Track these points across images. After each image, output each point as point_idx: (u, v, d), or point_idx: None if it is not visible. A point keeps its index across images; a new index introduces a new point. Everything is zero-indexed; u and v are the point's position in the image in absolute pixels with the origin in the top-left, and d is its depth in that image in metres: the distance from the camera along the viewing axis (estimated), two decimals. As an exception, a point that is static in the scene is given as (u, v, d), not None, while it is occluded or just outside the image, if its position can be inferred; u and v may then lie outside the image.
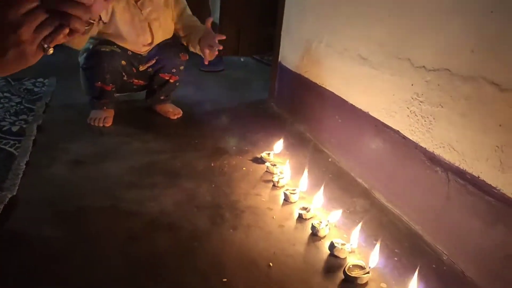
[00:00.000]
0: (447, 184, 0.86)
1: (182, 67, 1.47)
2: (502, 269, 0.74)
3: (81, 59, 1.38)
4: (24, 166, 1.05)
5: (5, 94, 1.53)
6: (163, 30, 1.42)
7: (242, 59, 2.57)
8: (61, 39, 0.57)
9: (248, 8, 2.55)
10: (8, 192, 0.93)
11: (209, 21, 1.37)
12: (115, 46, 1.33)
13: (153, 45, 1.42)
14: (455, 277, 0.81)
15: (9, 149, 1.14)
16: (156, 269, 0.77)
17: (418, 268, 0.76)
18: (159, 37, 1.42)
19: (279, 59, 1.69)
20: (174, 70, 1.45)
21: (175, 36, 1.47)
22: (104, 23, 1.30)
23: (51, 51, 0.57)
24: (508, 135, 0.74)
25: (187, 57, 1.48)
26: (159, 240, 0.85)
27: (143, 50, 1.41)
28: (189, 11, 1.48)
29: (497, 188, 0.75)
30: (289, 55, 1.61)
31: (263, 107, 1.74)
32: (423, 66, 0.93)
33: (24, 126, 1.29)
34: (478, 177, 0.79)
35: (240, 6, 2.54)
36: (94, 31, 1.28)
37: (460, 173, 0.83)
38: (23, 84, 1.65)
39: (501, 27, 0.74)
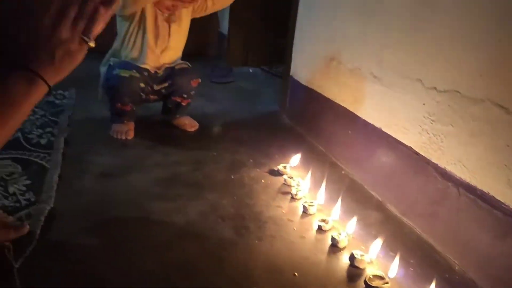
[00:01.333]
0: (458, 199, 0.93)
1: (193, 92, 1.55)
2: (511, 278, 0.80)
3: (102, 72, 1.45)
4: (57, 179, 1.11)
5: (29, 107, 1.60)
6: (179, 34, 1.50)
7: (251, 70, 2.64)
8: (99, 27, 0.58)
9: (256, 19, 2.62)
10: (46, 205, 0.99)
11: None
12: (133, 71, 1.39)
13: (168, 50, 1.48)
14: (467, 286, 0.87)
15: (41, 162, 1.20)
16: (188, 274, 0.83)
17: (434, 280, 0.82)
18: (175, 40, 1.48)
19: (290, 73, 1.76)
20: (185, 95, 1.53)
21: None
22: None
23: (92, 43, 0.62)
24: (515, 155, 0.80)
25: (199, 82, 1.55)
26: (188, 249, 0.91)
27: (161, 61, 1.47)
28: None
29: (506, 204, 0.82)
30: (301, 69, 1.68)
31: (275, 119, 1.81)
32: (434, 87, 0.99)
33: (52, 139, 1.35)
34: (488, 193, 0.86)
35: (248, 17, 2.62)
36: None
37: (470, 189, 0.90)
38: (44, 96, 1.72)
39: (508, 56, 0.81)
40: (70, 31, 0.58)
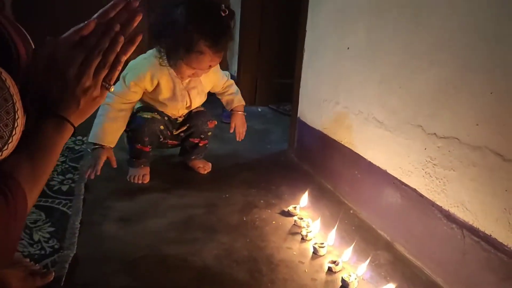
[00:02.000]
0: (463, 240, 0.96)
1: (210, 133, 1.62)
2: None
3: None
4: (79, 225, 1.17)
5: (50, 153, 1.68)
6: (200, 96, 1.57)
7: (259, 109, 2.74)
8: (117, 74, 0.68)
9: (264, 60, 2.75)
10: (69, 251, 1.05)
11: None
12: (155, 113, 1.48)
13: (191, 108, 1.57)
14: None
15: (63, 208, 1.26)
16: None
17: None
18: (197, 102, 1.57)
19: (298, 115, 1.84)
20: (202, 136, 1.60)
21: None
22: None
23: (112, 88, 0.69)
24: (513, 200, 0.85)
25: (215, 123, 1.63)
26: (205, 293, 0.95)
27: (181, 113, 1.56)
28: (229, 83, 1.67)
29: (508, 246, 0.86)
30: (308, 111, 1.76)
31: (284, 158, 1.87)
32: (434, 133, 1.05)
33: (73, 185, 1.42)
34: (490, 235, 0.90)
35: (256, 58, 2.75)
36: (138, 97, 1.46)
37: (473, 231, 0.94)
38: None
39: (500, 106, 0.87)
40: (92, 79, 0.66)
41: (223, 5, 1.29)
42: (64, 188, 1.40)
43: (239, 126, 1.67)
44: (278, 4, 2.64)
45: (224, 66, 3.08)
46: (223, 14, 1.28)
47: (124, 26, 0.67)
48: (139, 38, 0.69)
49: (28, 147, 0.63)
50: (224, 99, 1.68)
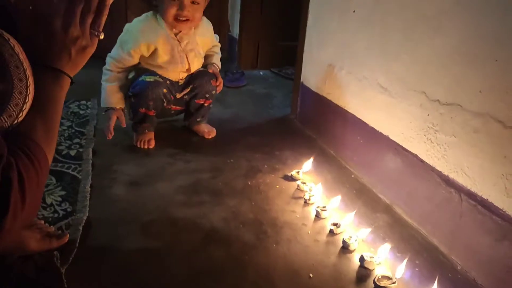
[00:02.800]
0: (460, 204, 1.00)
1: (214, 92, 1.63)
2: (509, 277, 0.88)
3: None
4: (90, 189, 1.21)
5: (56, 118, 1.70)
6: (198, 59, 1.57)
7: (261, 73, 2.72)
8: (104, 20, 0.67)
9: (267, 22, 2.70)
10: (82, 214, 1.09)
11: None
12: (157, 76, 1.49)
13: (190, 72, 1.57)
14: (469, 285, 0.95)
15: (72, 172, 1.30)
16: (216, 279, 0.92)
17: (437, 278, 0.91)
18: (195, 65, 1.57)
19: (301, 80, 1.84)
20: (207, 95, 1.61)
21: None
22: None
23: (102, 35, 0.68)
24: (511, 166, 0.87)
25: (220, 82, 1.64)
26: (214, 253, 1.00)
27: (181, 76, 1.56)
28: (216, 43, 1.67)
29: (503, 210, 0.89)
30: (311, 76, 1.76)
31: (287, 124, 1.89)
32: (438, 100, 1.07)
33: (80, 150, 1.45)
34: (487, 199, 0.93)
35: (258, 20, 2.70)
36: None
37: (471, 195, 0.97)
38: (69, 107, 1.82)
39: (504, 74, 0.88)
40: (80, 28, 0.66)
41: None
42: (72, 153, 1.43)
43: (217, 73, 1.64)
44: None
45: (226, 28, 3.03)
46: None
47: None
48: None
49: (36, 104, 0.64)
50: (205, 54, 1.65)
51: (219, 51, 1.70)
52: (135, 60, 1.48)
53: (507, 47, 0.87)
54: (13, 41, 0.58)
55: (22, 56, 0.59)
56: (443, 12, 1.03)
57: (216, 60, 1.67)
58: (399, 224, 1.17)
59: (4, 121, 0.57)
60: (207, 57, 1.66)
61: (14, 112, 0.58)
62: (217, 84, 1.62)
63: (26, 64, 0.59)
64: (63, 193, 1.19)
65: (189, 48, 1.53)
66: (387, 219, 1.19)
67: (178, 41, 1.50)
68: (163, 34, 1.46)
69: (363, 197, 1.30)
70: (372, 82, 1.33)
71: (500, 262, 0.90)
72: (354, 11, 1.42)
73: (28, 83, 0.60)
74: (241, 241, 1.06)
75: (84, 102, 1.89)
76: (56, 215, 1.09)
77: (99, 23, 0.67)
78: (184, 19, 1.43)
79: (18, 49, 0.59)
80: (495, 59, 0.90)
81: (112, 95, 1.48)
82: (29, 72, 0.60)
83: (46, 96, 0.66)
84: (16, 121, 0.60)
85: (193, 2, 1.42)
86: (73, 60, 0.68)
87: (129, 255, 0.97)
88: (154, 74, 1.49)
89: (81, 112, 1.80)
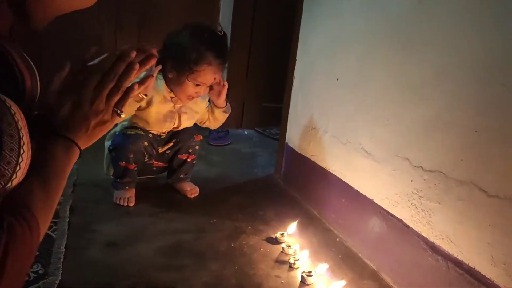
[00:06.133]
0: (448, 272, 0.99)
1: (197, 147, 1.63)
2: None
3: (106, 144, 1.54)
4: (64, 250, 1.15)
5: (35, 172, 1.66)
6: (189, 120, 1.60)
7: (245, 132, 2.76)
8: (128, 102, 0.68)
9: (252, 84, 2.79)
10: (54, 278, 1.02)
11: None
12: (139, 130, 1.49)
13: (177, 129, 1.58)
14: None
15: (47, 231, 1.24)
16: None
17: None
18: (185, 125, 1.59)
19: (286, 140, 1.87)
20: (190, 150, 1.61)
21: None
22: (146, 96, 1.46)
23: (123, 115, 0.69)
24: (496, 235, 0.88)
25: (201, 137, 1.65)
26: (194, 323, 0.95)
27: (164, 130, 1.57)
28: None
29: (491, 280, 0.88)
30: (296, 138, 1.79)
31: (271, 183, 1.89)
32: (421, 166, 1.09)
33: (58, 207, 1.39)
34: (474, 268, 0.93)
35: (244, 80, 2.78)
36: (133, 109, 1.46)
37: (458, 263, 0.97)
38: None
39: (484, 144, 0.91)
40: (105, 103, 0.67)
41: (219, 26, 1.48)
42: (49, 210, 1.37)
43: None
44: (268, 31, 2.70)
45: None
46: (220, 34, 1.43)
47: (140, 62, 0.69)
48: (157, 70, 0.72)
49: (39, 172, 0.62)
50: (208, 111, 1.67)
51: None
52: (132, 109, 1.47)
53: (487, 117, 0.91)
54: (14, 108, 0.57)
55: (22, 123, 0.58)
56: (426, 81, 1.08)
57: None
58: (387, 292, 1.14)
59: None
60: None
61: (6, 172, 0.55)
62: (199, 138, 1.63)
63: (24, 131, 0.58)
64: (36, 253, 1.12)
65: (183, 111, 1.56)
66: (374, 286, 1.16)
67: (173, 102, 1.52)
68: (161, 95, 1.49)
69: (349, 262, 1.27)
70: (356, 146, 1.36)
71: (492, 335, 0.87)
72: (337, 79, 1.48)
73: (22, 151, 0.58)
74: (223, 309, 1.00)
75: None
76: (27, 278, 1.02)
77: (123, 103, 0.68)
78: (195, 97, 1.50)
79: (18, 116, 0.57)
80: (475, 130, 0.94)
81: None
82: (25, 140, 0.58)
83: (54, 165, 0.64)
84: (10, 183, 0.57)
85: (214, 79, 1.48)
86: (89, 133, 0.68)
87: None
88: (135, 127, 1.50)
89: (62, 167, 1.76)
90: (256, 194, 1.74)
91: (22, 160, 0.57)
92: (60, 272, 1.06)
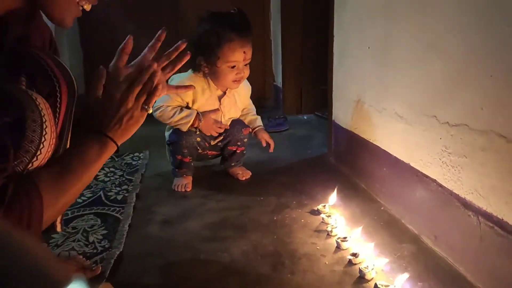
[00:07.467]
0: (479, 227, 0.95)
1: (246, 140, 1.73)
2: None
3: (166, 135, 1.71)
4: (127, 228, 1.34)
5: (111, 169, 1.91)
6: (235, 111, 1.71)
7: (305, 117, 2.80)
8: (154, 99, 0.81)
9: (307, 69, 2.82)
10: (116, 250, 1.21)
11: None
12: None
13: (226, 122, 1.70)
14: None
15: (116, 214, 1.44)
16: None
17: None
18: (231, 115, 1.70)
19: (332, 118, 1.88)
20: (239, 143, 1.71)
21: None
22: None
23: (150, 110, 0.81)
24: (520, 181, 0.83)
25: (250, 130, 1.74)
26: (229, 284, 1.04)
27: None
28: (251, 106, 1.81)
29: (519, 229, 0.84)
30: (340, 113, 1.79)
31: (322, 162, 1.92)
32: (447, 122, 1.05)
33: (126, 194, 1.61)
34: (502, 219, 0.88)
35: (300, 68, 2.82)
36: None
37: (488, 216, 0.92)
38: (123, 159, 2.04)
39: (499, 88, 0.86)
40: (134, 102, 0.80)
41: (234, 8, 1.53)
42: (119, 197, 1.59)
43: (268, 138, 1.75)
44: (317, 15, 2.69)
45: (271, 79, 3.20)
46: (235, 11, 1.50)
47: (173, 62, 0.82)
48: (178, 66, 0.86)
49: (63, 158, 0.75)
50: (247, 119, 1.79)
51: (255, 112, 1.81)
52: (178, 103, 1.60)
53: (500, 61, 0.86)
54: (39, 100, 0.70)
55: (46, 111, 0.70)
56: (441, 36, 1.05)
57: (259, 122, 1.79)
58: (425, 254, 1.12)
59: (22, 156, 0.67)
60: (250, 122, 1.77)
61: (30, 148, 0.68)
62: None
63: (47, 117, 0.70)
64: (105, 232, 1.33)
65: (227, 109, 1.67)
66: (413, 249, 1.15)
67: (219, 101, 1.64)
68: (208, 94, 1.62)
69: (390, 229, 1.26)
70: (390, 112, 1.34)
71: (524, 287, 0.83)
72: (368, 48, 1.47)
73: (44, 133, 0.70)
74: (257, 272, 1.09)
75: (137, 154, 2.10)
76: (95, 251, 1.21)
77: (150, 100, 0.81)
78: (239, 79, 1.58)
79: (42, 104, 0.70)
80: (490, 75, 0.89)
81: (183, 112, 1.57)
82: (48, 123, 0.70)
83: (81, 156, 0.74)
84: (35, 158, 0.69)
85: (245, 65, 1.57)
86: (123, 128, 0.80)
87: None
88: (188, 123, 1.65)
89: (133, 162, 2.00)
90: (306, 172, 1.79)
91: (45, 140, 0.70)
92: (122, 245, 1.24)
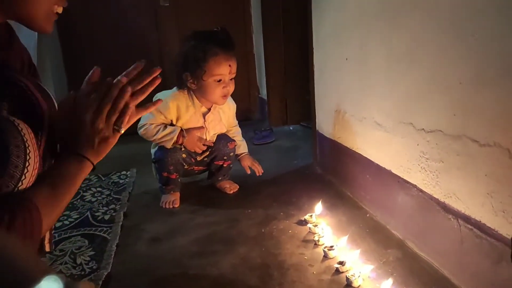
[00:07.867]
0: (459, 229, 0.98)
1: (232, 154, 1.74)
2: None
3: (152, 152, 1.72)
4: (115, 248, 1.33)
5: (98, 188, 1.91)
6: (220, 128, 1.73)
7: (291, 128, 2.83)
8: (131, 118, 0.80)
9: (291, 80, 2.85)
10: (104, 270, 1.20)
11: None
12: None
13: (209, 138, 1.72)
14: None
15: (103, 235, 1.44)
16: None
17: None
18: (213, 138, 1.72)
19: (316, 128, 1.91)
20: (225, 158, 1.73)
21: None
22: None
23: (122, 130, 0.80)
24: (493, 184, 0.86)
25: (235, 144, 1.76)
26: (219, 299, 1.05)
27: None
28: (236, 129, 1.83)
29: (495, 230, 0.86)
30: (324, 124, 1.83)
31: (308, 171, 1.94)
32: (423, 129, 1.09)
33: (114, 214, 1.61)
34: (480, 221, 0.91)
35: (284, 79, 2.86)
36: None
37: (466, 219, 0.95)
38: (110, 178, 2.03)
39: (469, 95, 0.90)
40: (104, 123, 0.80)
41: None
42: (106, 217, 1.59)
43: (252, 164, 1.79)
44: (296, 27, 2.74)
45: (256, 91, 3.23)
46: (218, 29, 1.55)
47: (145, 87, 0.82)
48: (150, 89, 0.84)
49: (50, 176, 0.77)
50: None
51: (241, 137, 1.83)
52: (161, 120, 1.61)
53: (467, 68, 0.90)
54: (22, 125, 0.71)
55: (28, 136, 0.71)
56: (412, 46, 1.09)
57: (244, 148, 1.82)
58: (410, 259, 1.14)
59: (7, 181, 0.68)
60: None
61: (15, 173, 0.69)
62: (233, 145, 1.75)
63: (30, 142, 0.71)
64: (92, 253, 1.32)
65: (210, 119, 1.69)
66: (398, 255, 1.17)
67: (204, 119, 1.66)
68: (192, 111, 1.63)
69: (375, 235, 1.28)
70: (370, 121, 1.37)
71: (502, 286, 0.85)
72: (346, 59, 1.50)
73: (28, 157, 0.71)
74: (246, 284, 1.09)
75: (124, 172, 2.10)
76: (83, 272, 1.21)
77: (122, 120, 0.81)
78: (226, 93, 1.59)
79: (25, 130, 0.71)
80: (459, 82, 0.92)
81: (166, 129, 1.58)
82: (31, 148, 0.72)
83: (65, 174, 0.77)
84: (20, 183, 0.71)
85: (231, 79, 1.58)
86: (96, 149, 0.81)
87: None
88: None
89: (121, 181, 2.00)
90: (292, 183, 1.81)
91: (29, 164, 0.72)
92: (110, 266, 1.23)
